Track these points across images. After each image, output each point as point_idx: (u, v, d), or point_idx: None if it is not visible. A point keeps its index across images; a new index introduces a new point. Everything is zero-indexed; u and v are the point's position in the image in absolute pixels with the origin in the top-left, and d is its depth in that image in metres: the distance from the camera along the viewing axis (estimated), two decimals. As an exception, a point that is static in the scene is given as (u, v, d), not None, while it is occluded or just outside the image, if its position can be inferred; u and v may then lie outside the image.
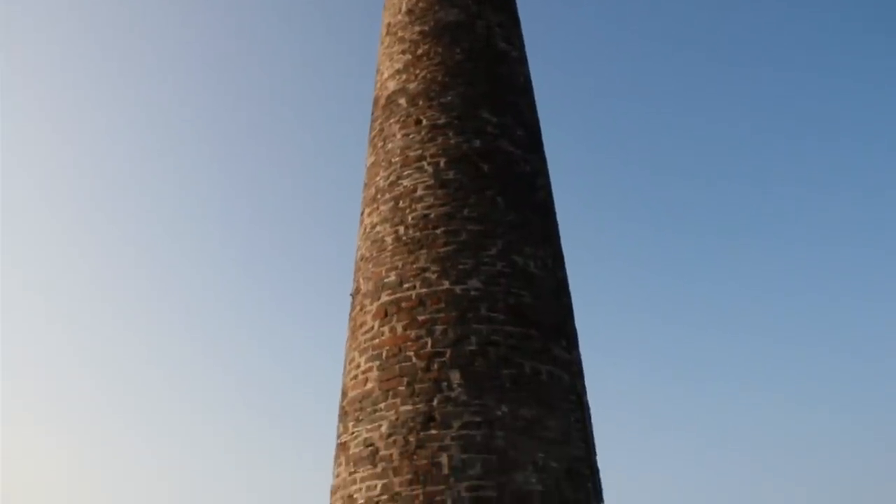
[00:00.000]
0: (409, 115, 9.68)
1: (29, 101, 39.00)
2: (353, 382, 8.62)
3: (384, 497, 7.69)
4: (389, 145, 9.66)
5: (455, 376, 7.95)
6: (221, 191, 42.21)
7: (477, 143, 9.29)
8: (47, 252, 38.88)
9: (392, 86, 10.17)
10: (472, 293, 8.33)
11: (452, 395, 7.88)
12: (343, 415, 8.69)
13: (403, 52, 10.34)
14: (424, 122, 9.51)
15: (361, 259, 9.33)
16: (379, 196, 9.41)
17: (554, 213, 9.72)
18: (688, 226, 40.67)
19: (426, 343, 8.14)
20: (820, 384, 35.06)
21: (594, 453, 8.60)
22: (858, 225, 38.56)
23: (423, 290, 8.41)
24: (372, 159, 9.94)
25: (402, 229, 8.88)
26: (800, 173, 40.50)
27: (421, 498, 7.51)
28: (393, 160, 9.47)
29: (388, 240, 8.94)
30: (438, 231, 8.69)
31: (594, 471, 8.47)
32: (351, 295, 9.38)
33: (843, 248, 38.55)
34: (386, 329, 8.44)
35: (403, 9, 10.78)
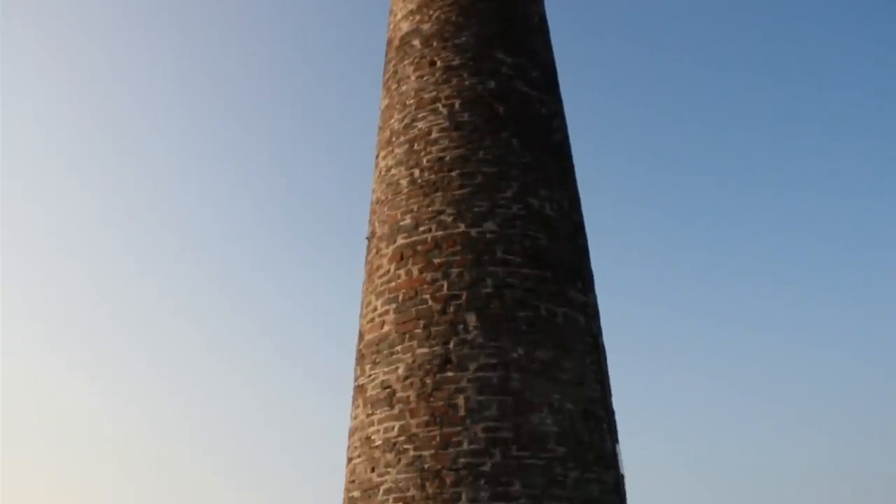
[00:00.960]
0: (422, 57, 9.56)
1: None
2: (369, 325, 8.67)
3: (401, 438, 7.77)
4: (403, 87, 9.57)
5: (471, 319, 7.97)
6: (234, 134, 42.13)
7: (492, 84, 9.18)
8: (48, 181, 39.08)
9: (405, 27, 10.03)
10: (488, 236, 8.31)
11: (468, 337, 7.91)
12: (360, 358, 8.75)
13: (417, -8, 10.17)
14: (439, 63, 9.40)
15: (377, 202, 9.31)
16: (393, 139, 9.35)
17: (570, 155, 9.64)
18: (705, 169, 40.35)
19: (442, 286, 8.16)
20: (845, 328, 35.06)
21: (610, 395, 8.64)
22: (873, 154, 38.16)
23: (439, 232, 8.40)
24: (386, 102, 9.86)
25: (417, 172, 8.84)
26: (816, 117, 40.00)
27: (438, 439, 7.59)
28: (407, 102, 9.39)
29: (404, 183, 8.91)
30: (453, 173, 8.64)
31: (609, 412, 8.52)
32: (367, 238, 9.39)
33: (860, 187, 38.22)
34: (402, 272, 8.46)
35: (416, -53, 10.58)
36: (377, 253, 8.92)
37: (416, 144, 9.03)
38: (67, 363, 34.95)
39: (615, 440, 8.46)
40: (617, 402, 8.73)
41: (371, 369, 8.40)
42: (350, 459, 8.41)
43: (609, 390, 8.64)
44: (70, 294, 37.04)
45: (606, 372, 8.72)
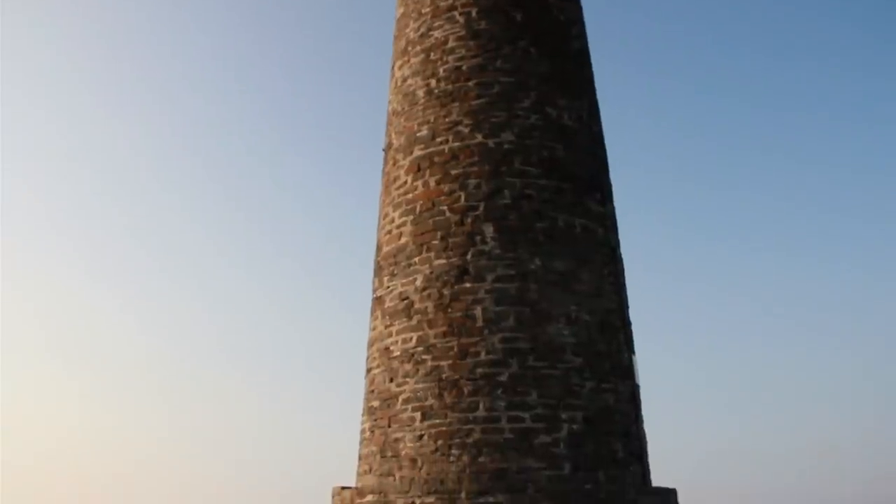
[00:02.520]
0: (438, -37, 9.31)
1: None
2: (387, 237, 8.66)
3: (419, 349, 7.84)
4: (419, -5, 9.34)
5: (488, 230, 7.95)
6: (251, 47, 41.62)
7: (509, -10, 8.94)
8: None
9: (421, -68, 9.74)
10: (506, 146, 8.22)
11: (486, 248, 7.90)
12: (378, 269, 8.77)
13: None
14: (454, -31, 9.14)
15: (393, 113, 9.20)
16: (409, 48, 9.18)
17: (589, 64, 9.45)
18: (726, 85, 39.59)
19: (459, 197, 8.11)
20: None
21: (626, 306, 8.65)
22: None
23: (456, 143, 8.31)
24: (401, 10, 9.65)
25: (433, 82, 8.70)
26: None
27: (455, 349, 7.65)
28: (423, 11, 9.18)
29: (420, 93, 8.78)
30: (471, 83, 8.50)
31: (626, 323, 8.54)
32: (383, 150, 9.31)
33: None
34: (419, 183, 8.41)
35: None
36: (394, 164, 8.86)
37: (432, 54, 8.87)
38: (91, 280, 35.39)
39: (631, 351, 8.51)
40: (633, 314, 8.76)
41: (389, 281, 8.42)
42: (369, 370, 8.51)
43: (626, 301, 8.65)
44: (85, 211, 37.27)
45: (623, 283, 8.72)
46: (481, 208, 8.03)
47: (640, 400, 8.43)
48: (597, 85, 9.53)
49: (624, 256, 8.93)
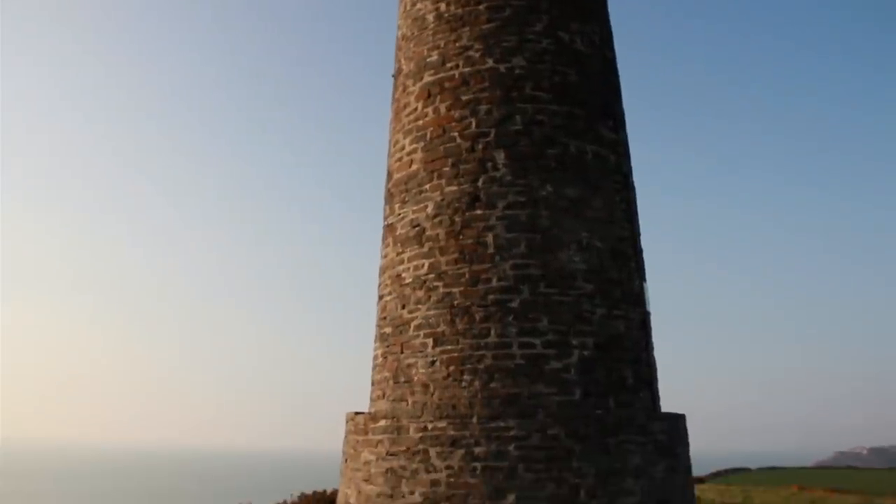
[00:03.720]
0: None
1: None
2: (398, 164, 8.61)
3: (431, 276, 7.85)
4: (428, -83, 9.12)
5: (500, 156, 7.89)
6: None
7: (521, -89, 8.71)
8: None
9: None
10: (517, 71, 8.10)
11: (497, 175, 7.85)
12: (389, 197, 8.74)
13: None
14: None
15: (402, 38, 9.06)
16: (418, -28, 8.99)
17: (602, -13, 9.24)
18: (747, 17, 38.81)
19: (470, 123, 8.03)
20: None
21: (638, 234, 8.62)
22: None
23: (467, 69, 8.19)
24: (410, -67, 9.42)
25: (443, 6, 8.54)
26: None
27: (467, 276, 7.66)
28: (432, -67, 8.96)
29: (430, 17, 8.63)
30: (481, 7, 8.34)
31: (638, 251, 8.52)
32: (393, 76, 9.19)
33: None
34: (429, 110, 8.32)
35: None
36: (404, 91, 8.76)
37: (441, -23, 8.68)
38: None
39: (643, 278, 8.50)
40: (645, 241, 8.72)
41: (400, 208, 8.40)
42: (381, 297, 8.54)
43: (638, 229, 8.62)
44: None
45: (636, 211, 8.68)
46: (492, 134, 7.95)
47: (650, 327, 8.46)
48: (611, 11, 9.35)
49: (636, 184, 8.86)
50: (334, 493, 10.89)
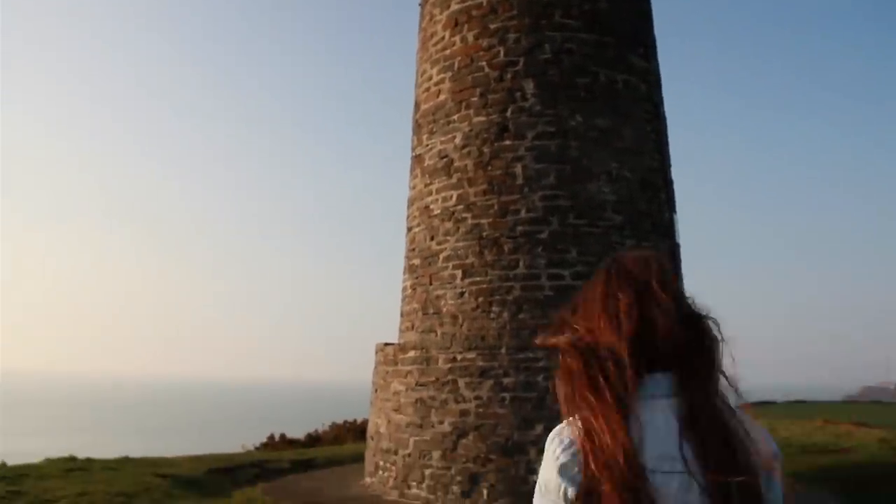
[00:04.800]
0: None
1: None
2: (425, 95, 8.51)
3: (460, 207, 7.82)
4: None
5: (528, 86, 7.77)
6: None
7: None
8: None
9: None
10: (546, -2, 7.93)
11: (526, 105, 7.75)
12: (417, 127, 8.67)
13: None
14: None
15: (429, -34, 8.87)
16: None
17: (634, -89, 8.97)
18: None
19: (498, 52, 7.90)
20: None
21: (669, 165, 8.52)
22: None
23: (495, -4, 8.02)
24: None
25: (471, -69, 8.34)
26: None
27: (496, 207, 7.62)
28: None
29: (457, -57, 8.43)
30: (509, -68, 8.13)
31: (668, 182, 8.43)
32: (420, 4, 9.04)
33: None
34: (457, 39, 8.19)
35: None
36: (431, 19, 8.62)
37: None
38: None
39: (672, 210, 8.42)
40: (676, 173, 8.60)
41: (428, 139, 8.33)
42: (409, 228, 8.53)
43: (668, 160, 8.51)
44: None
45: (666, 142, 8.56)
46: (521, 63, 7.83)
47: (679, 258, 8.40)
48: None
49: (667, 114, 8.72)
50: (364, 422, 11.05)
